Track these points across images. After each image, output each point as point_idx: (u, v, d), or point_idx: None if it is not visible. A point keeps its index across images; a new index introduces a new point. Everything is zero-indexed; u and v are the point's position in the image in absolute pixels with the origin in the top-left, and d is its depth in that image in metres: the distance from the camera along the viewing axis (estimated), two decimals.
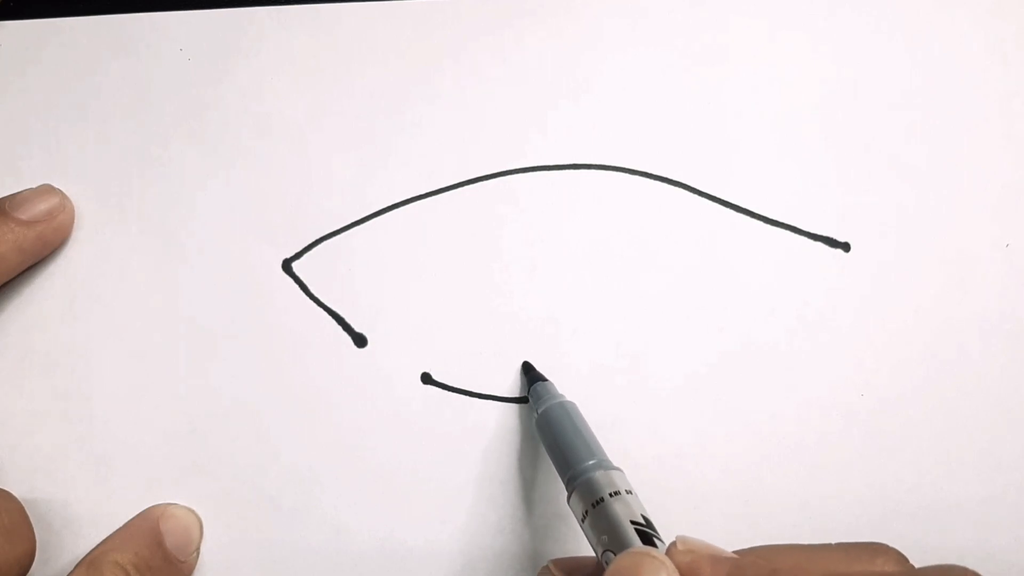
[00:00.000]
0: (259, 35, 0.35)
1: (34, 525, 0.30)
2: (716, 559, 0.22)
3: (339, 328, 0.32)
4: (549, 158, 0.33)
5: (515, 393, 0.32)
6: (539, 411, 0.29)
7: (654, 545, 0.24)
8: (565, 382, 0.32)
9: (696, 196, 0.33)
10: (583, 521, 0.26)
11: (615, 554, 0.23)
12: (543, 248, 0.33)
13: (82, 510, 0.31)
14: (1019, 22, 0.34)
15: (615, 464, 0.27)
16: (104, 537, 0.30)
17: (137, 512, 0.30)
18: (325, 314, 0.32)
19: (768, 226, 0.33)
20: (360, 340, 0.32)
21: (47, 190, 0.33)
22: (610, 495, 0.25)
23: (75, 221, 0.33)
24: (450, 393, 0.32)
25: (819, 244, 0.33)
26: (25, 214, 0.31)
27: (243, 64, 0.34)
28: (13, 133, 0.34)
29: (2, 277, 0.31)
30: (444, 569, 0.31)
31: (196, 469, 0.31)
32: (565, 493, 0.27)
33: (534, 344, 0.32)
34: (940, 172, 0.33)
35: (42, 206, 0.32)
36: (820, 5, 0.34)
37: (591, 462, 0.27)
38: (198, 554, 0.31)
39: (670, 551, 0.22)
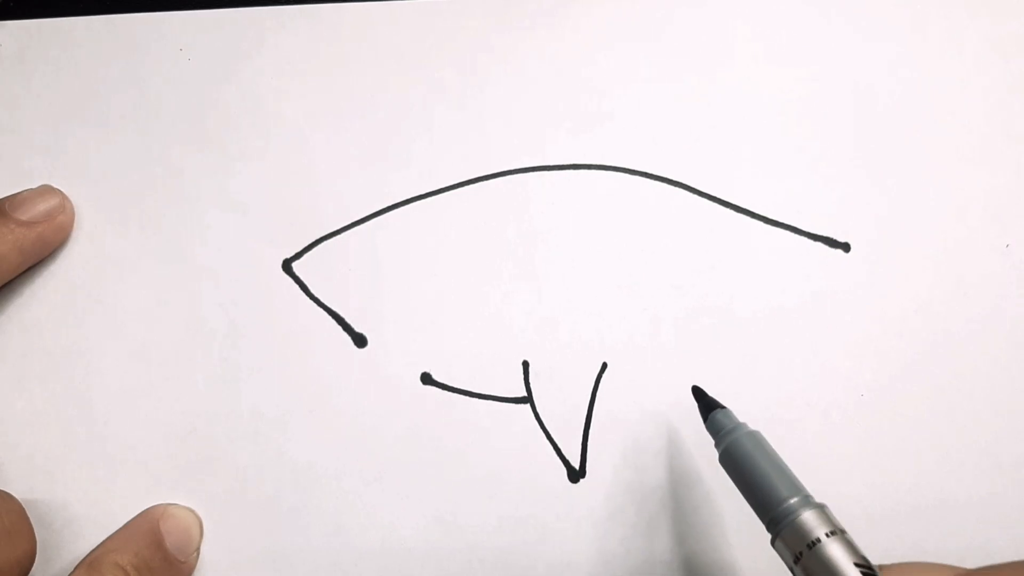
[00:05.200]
0: (259, 35, 0.35)
1: (34, 525, 0.30)
2: None
3: (339, 328, 0.32)
4: (549, 158, 0.33)
5: (515, 393, 0.32)
6: (724, 444, 0.27)
7: None
8: (565, 383, 0.32)
9: (696, 196, 0.33)
10: (795, 563, 0.24)
11: None
12: (543, 248, 0.33)
13: (82, 510, 0.31)
14: (1019, 22, 0.34)
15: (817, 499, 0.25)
16: (104, 537, 0.30)
17: (137, 512, 0.30)
18: (325, 314, 0.32)
19: (768, 226, 0.33)
20: (360, 340, 0.32)
21: (47, 190, 0.33)
22: (827, 535, 0.23)
23: (75, 221, 0.33)
24: (450, 393, 0.32)
25: (819, 244, 0.33)
26: (25, 215, 0.31)
27: (243, 64, 0.34)
28: (13, 133, 0.34)
29: (2, 277, 0.31)
30: (444, 569, 0.31)
31: (196, 469, 0.31)
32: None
33: (534, 344, 0.32)
34: (940, 172, 0.33)
35: (42, 206, 0.32)
36: (820, 5, 0.34)
37: (794, 500, 0.25)
38: (198, 554, 0.31)
39: None
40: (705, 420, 0.29)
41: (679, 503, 0.31)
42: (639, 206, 0.33)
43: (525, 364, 0.32)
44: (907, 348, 0.32)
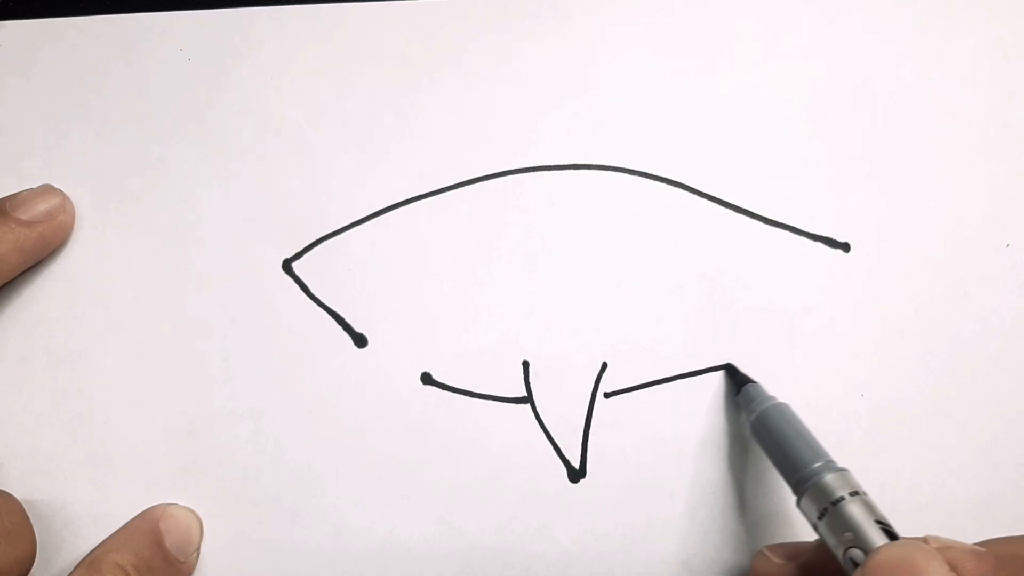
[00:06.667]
0: (259, 35, 0.35)
1: (34, 525, 0.30)
2: (977, 554, 0.22)
3: (339, 328, 0.32)
4: (549, 158, 0.33)
5: (515, 393, 0.32)
6: (754, 415, 0.29)
7: None
8: (565, 383, 0.32)
9: (696, 196, 0.33)
10: (819, 519, 0.26)
11: (862, 551, 0.24)
12: (543, 248, 0.33)
13: (82, 510, 0.31)
14: (1019, 22, 0.34)
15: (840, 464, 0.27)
16: (104, 537, 0.30)
17: (137, 512, 0.30)
18: (325, 314, 0.32)
19: (768, 226, 0.33)
20: (360, 340, 0.32)
21: (47, 190, 0.33)
22: (849, 495, 0.25)
23: (75, 221, 0.33)
24: (450, 393, 0.32)
25: (819, 244, 0.33)
26: (26, 214, 0.31)
27: (243, 64, 0.34)
28: (13, 133, 0.34)
29: (3, 278, 0.31)
30: (444, 569, 0.31)
31: (196, 469, 0.31)
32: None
33: (534, 344, 0.32)
34: (940, 172, 0.33)
35: (43, 206, 0.32)
36: (819, 5, 0.34)
37: (818, 464, 0.27)
38: (198, 554, 0.31)
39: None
40: (737, 393, 0.31)
41: (679, 503, 0.31)
42: (639, 206, 0.33)
43: (525, 364, 0.32)
44: (907, 348, 0.32)
